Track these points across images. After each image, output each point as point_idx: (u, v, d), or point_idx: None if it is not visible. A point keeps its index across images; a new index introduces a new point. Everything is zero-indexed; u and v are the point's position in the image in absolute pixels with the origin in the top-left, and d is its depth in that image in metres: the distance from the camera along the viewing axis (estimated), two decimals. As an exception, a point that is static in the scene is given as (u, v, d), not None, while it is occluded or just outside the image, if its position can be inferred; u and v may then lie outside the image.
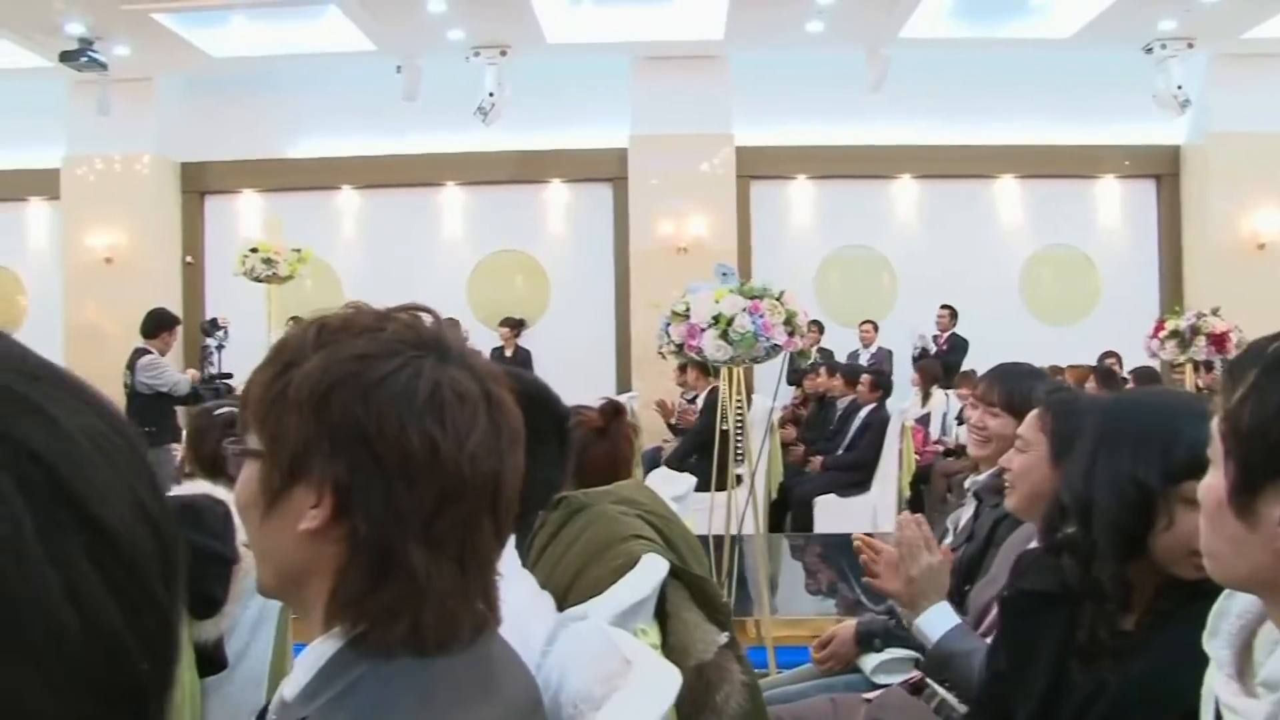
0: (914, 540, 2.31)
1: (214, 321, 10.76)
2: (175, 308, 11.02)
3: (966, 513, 2.96)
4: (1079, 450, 1.58)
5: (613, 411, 2.43)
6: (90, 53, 9.89)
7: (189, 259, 11.69)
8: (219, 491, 2.49)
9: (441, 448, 0.96)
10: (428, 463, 0.96)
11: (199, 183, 11.77)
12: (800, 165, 11.47)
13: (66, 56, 9.86)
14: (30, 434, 0.43)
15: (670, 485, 2.80)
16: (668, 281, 10.42)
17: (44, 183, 11.54)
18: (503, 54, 10.22)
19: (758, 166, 11.24)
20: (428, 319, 1.06)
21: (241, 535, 2.42)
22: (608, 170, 11.27)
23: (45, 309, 11.83)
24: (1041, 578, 1.64)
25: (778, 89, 11.05)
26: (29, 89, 11.18)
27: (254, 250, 8.78)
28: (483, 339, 10.91)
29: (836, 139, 11.14)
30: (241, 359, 10.61)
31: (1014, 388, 2.79)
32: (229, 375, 9.42)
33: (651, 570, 1.69)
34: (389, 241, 11.53)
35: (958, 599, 2.82)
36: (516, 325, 10.96)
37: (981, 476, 2.91)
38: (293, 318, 9.84)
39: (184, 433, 2.87)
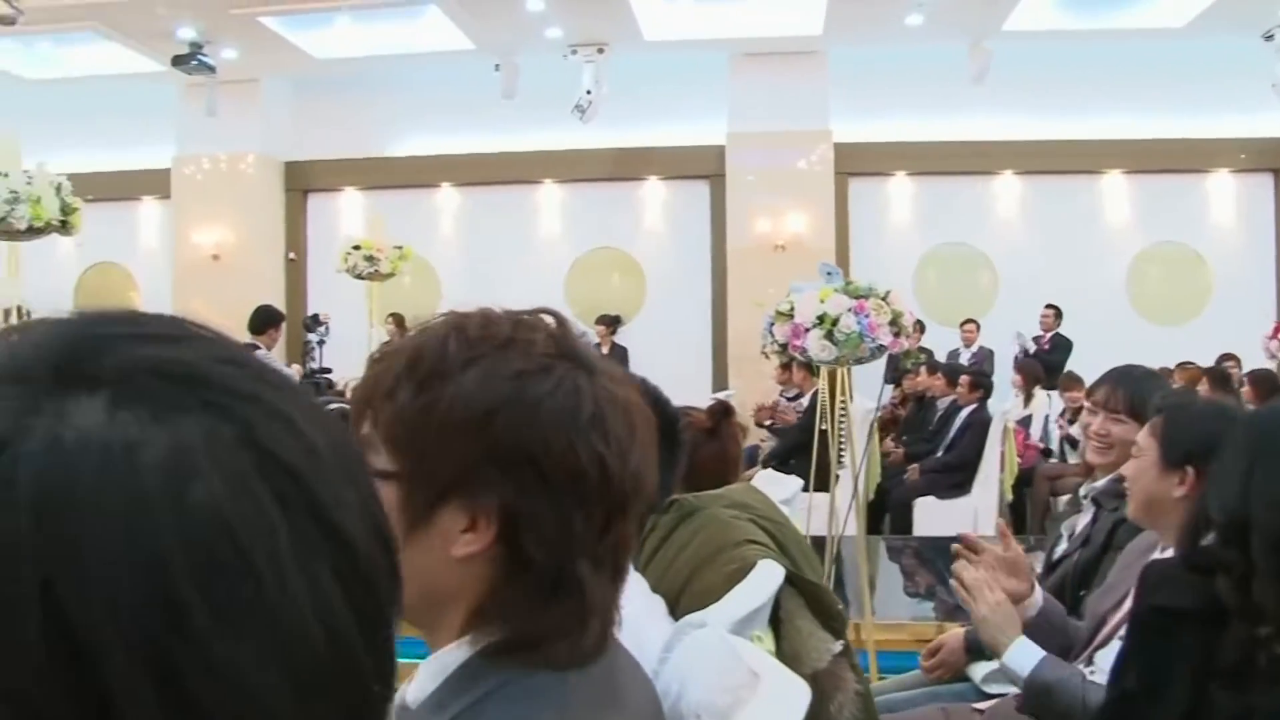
0: (976, 582, 2.26)
1: (315, 317, 10.98)
2: (278, 303, 11.25)
3: (1083, 519, 2.87)
4: (1229, 463, 1.50)
5: (722, 412, 2.39)
6: (200, 56, 10.16)
7: (292, 256, 11.94)
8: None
9: (609, 464, 0.93)
10: (598, 481, 0.93)
11: (302, 181, 12.01)
12: (899, 161, 11.30)
13: (178, 60, 10.15)
14: (283, 445, 0.43)
15: (777, 487, 2.76)
16: (765, 279, 10.40)
17: (155, 182, 11.89)
18: (600, 51, 10.23)
19: (856, 163, 11.10)
20: (551, 321, 1.03)
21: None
22: (705, 167, 11.22)
23: (155, 304, 12.14)
24: (1177, 593, 1.57)
25: (876, 84, 10.89)
26: (142, 92, 11.53)
27: (356, 248, 8.92)
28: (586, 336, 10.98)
29: (936, 134, 10.94)
30: (341, 354, 10.86)
31: (1136, 392, 2.70)
32: (328, 370, 9.58)
33: (767, 577, 1.66)
34: (487, 239, 11.64)
35: (1072, 604, 2.75)
36: (613, 323, 10.97)
37: (1099, 483, 2.82)
38: (391, 315, 10.05)
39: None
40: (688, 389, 9.68)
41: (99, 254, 11.80)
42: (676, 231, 11.56)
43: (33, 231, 5.48)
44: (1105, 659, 2.12)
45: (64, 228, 5.66)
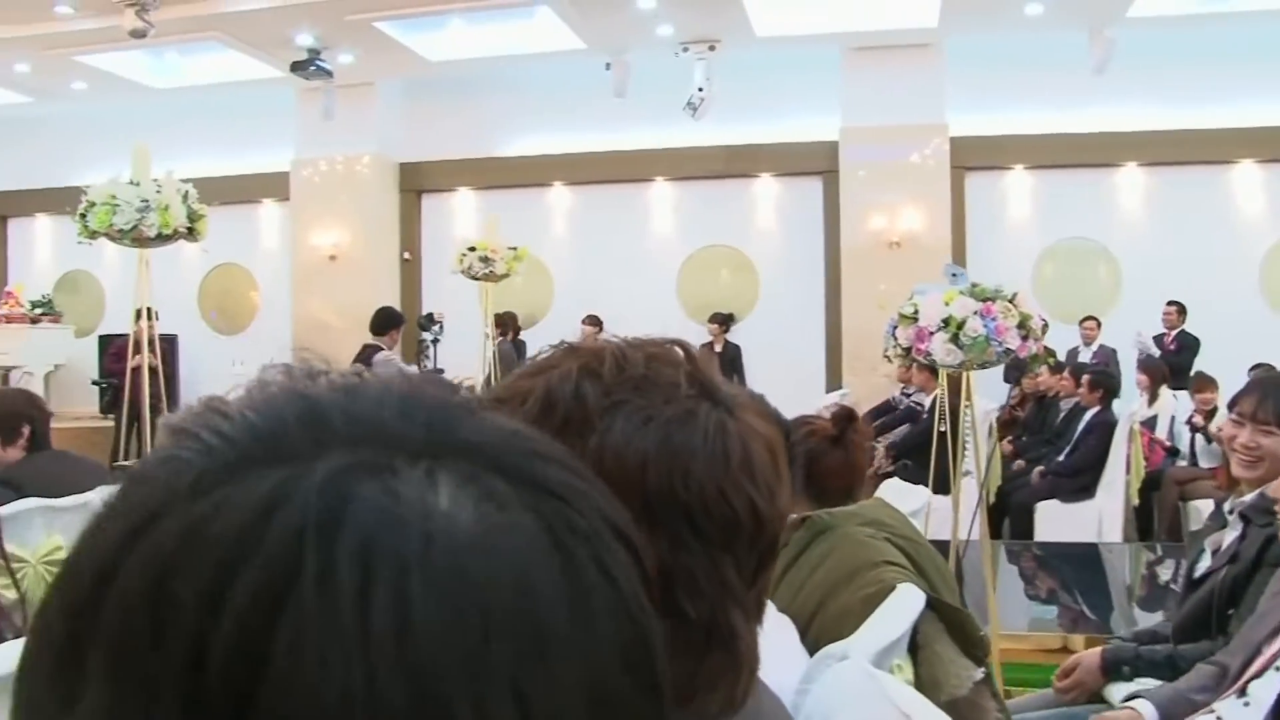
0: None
1: (430, 316, 11.15)
2: (393, 303, 11.47)
3: (1230, 534, 2.73)
4: None
5: (846, 419, 2.32)
6: (318, 62, 10.40)
7: (406, 255, 12.13)
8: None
9: (760, 508, 0.88)
10: (751, 527, 0.88)
11: (416, 182, 12.19)
12: (1017, 154, 11.00)
13: (296, 66, 10.40)
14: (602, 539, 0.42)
15: (905, 498, 2.68)
16: (879, 277, 10.27)
17: (275, 185, 12.19)
18: (711, 48, 10.18)
19: (972, 157, 10.84)
20: (682, 354, 0.95)
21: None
22: (818, 163, 11.08)
23: (275, 303, 12.50)
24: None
25: (993, 75, 10.62)
26: (262, 98, 11.85)
27: (472, 249, 9.00)
28: (692, 334, 10.92)
29: (1056, 126, 10.64)
30: (456, 353, 11.00)
31: (1287, 401, 2.56)
32: (441, 370, 9.63)
33: (908, 603, 1.60)
34: (598, 237, 11.67)
35: (1219, 623, 2.63)
36: (725, 321, 10.90)
37: (1247, 498, 2.68)
38: (496, 315, 10.12)
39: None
40: (801, 388, 9.63)
41: (222, 255, 12.12)
42: (789, 228, 11.43)
43: (161, 239, 5.64)
44: (1263, 690, 2.01)
45: (190, 234, 5.80)
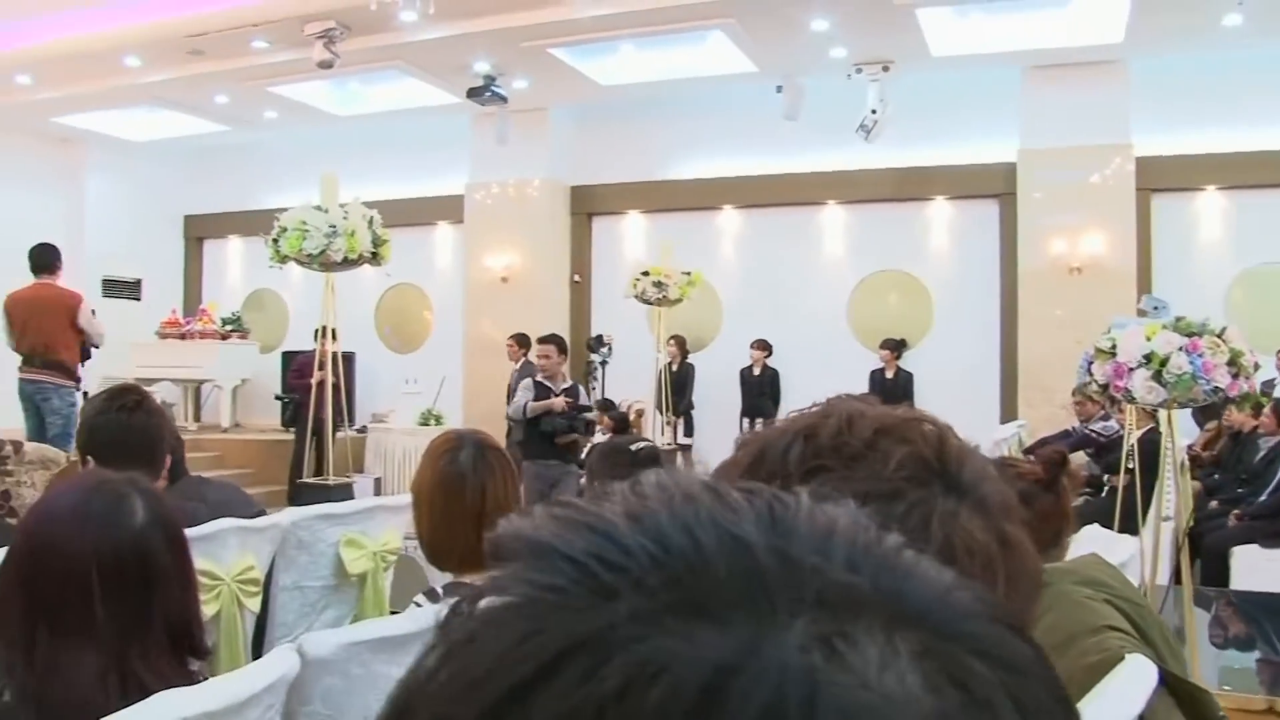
0: None
1: (599, 338, 11.24)
2: (563, 324, 11.63)
3: None
4: None
5: (1058, 463, 2.19)
6: (493, 88, 10.64)
7: (577, 278, 12.26)
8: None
9: None
10: None
11: (587, 205, 12.33)
12: (1209, 175, 10.42)
13: (473, 93, 10.66)
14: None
15: (1111, 549, 2.51)
16: (1059, 303, 9.90)
17: (449, 208, 12.51)
18: (885, 70, 9.99)
19: (1160, 178, 10.33)
20: (926, 429, 0.85)
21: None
22: (994, 186, 10.75)
23: (447, 323, 12.81)
24: None
25: (1182, 91, 10.11)
26: (439, 124, 12.19)
27: (645, 274, 9.02)
28: (864, 360, 10.73)
29: (1251, 144, 10.04)
30: (624, 375, 11.06)
31: None
32: (587, 409, 9.27)
33: (1139, 678, 1.47)
34: (768, 261, 11.56)
35: None
36: (898, 347, 10.64)
37: None
38: (673, 337, 10.12)
39: (586, 459, 2.85)
40: (975, 418, 9.30)
41: (397, 276, 12.48)
42: (963, 253, 11.11)
43: (347, 263, 5.81)
44: None
45: (374, 259, 5.97)
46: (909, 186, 11.02)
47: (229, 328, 13.18)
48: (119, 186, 13.97)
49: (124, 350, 12.61)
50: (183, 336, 12.83)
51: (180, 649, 1.44)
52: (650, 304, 9.16)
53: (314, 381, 7.62)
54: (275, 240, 5.72)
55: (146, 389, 2.99)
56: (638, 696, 0.31)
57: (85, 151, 13.66)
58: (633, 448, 2.82)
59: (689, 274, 8.95)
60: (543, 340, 8.48)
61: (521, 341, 10.13)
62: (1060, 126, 10.14)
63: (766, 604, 0.33)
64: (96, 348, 8.29)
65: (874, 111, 10.04)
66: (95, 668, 1.32)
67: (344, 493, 5.97)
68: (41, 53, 10.69)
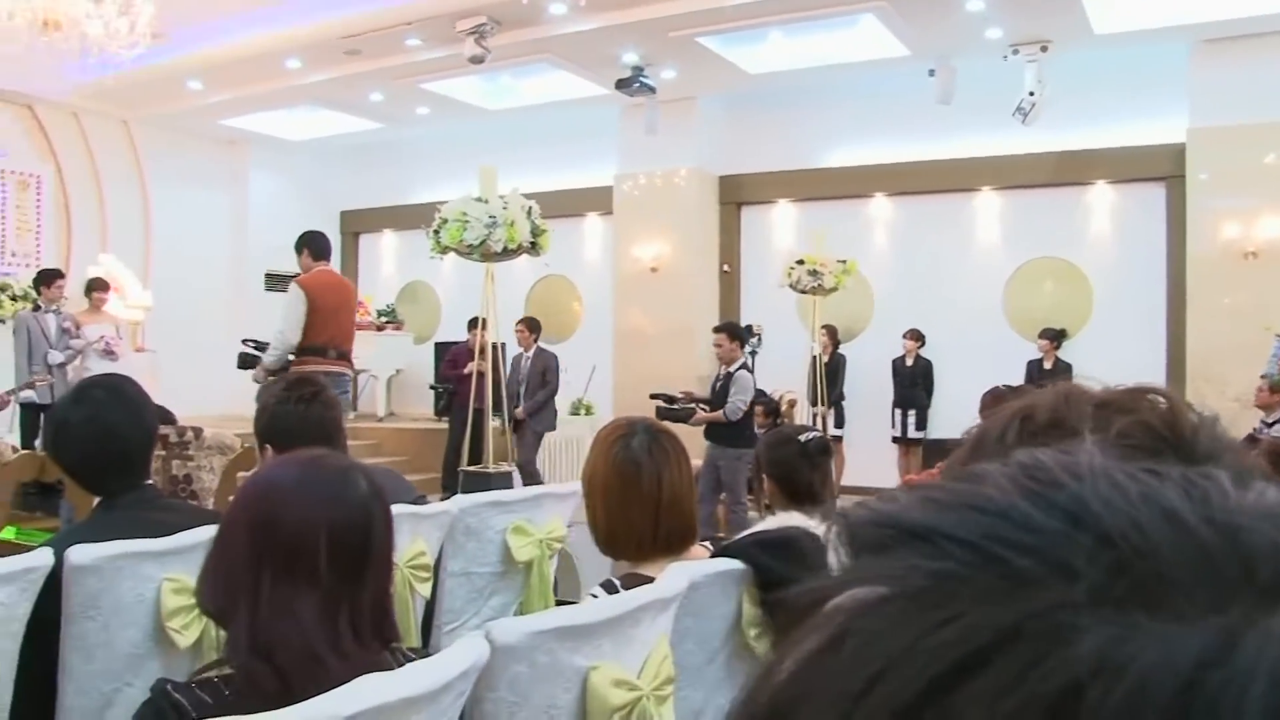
0: None
1: (749, 328, 11.18)
2: (712, 315, 11.59)
3: None
4: None
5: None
6: (642, 79, 10.66)
7: (726, 268, 12.21)
8: (813, 523, 2.42)
9: None
10: None
11: (736, 194, 12.26)
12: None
13: (621, 84, 10.70)
14: None
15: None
16: (1230, 289, 9.43)
17: (598, 199, 12.60)
18: (1044, 49, 9.67)
19: (1349, 157, 9.74)
20: (1158, 401, 0.80)
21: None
22: (1160, 168, 10.29)
23: (597, 314, 12.90)
24: None
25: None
26: (587, 116, 12.28)
27: (800, 262, 8.91)
28: (1020, 350, 10.41)
29: None
30: (774, 365, 10.97)
31: None
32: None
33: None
34: (920, 248, 11.31)
35: None
36: (1056, 337, 10.27)
37: None
38: (824, 327, 10.00)
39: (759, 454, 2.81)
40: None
41: (552, 266, 12.62)
42: (1126, 239, 10.66)
43: (507, 253, 5.89)
44: None
45: (533, 249, 6.03)
46: (1068, 171, 10.62)
47: (384, 319, 13.56)
48: (279, 184, 14.52)
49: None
50: (342, 328, 13.24)
51: (379, 625, 1.47)
52: (804, 293, 9.04)
53: (473, 371, 7.78)
54: (436, 231, 5.84)
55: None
56: (1098, 695, 0.27)
57: (249, 151, 14.23)
58: (801, 438, 2.76)
59: (844, 262, 8.81)
60: (716, 329, 8.63)
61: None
62: (1233, 103, 9.62)
63: (1226, 588, 0.29)
64: None
65: (1031, 93, 9.72)
66: (315, 614, 1.36)
67: (504, 480, 6.05)
68: (211, 58, 11.16)
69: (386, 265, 15.02)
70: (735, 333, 8.34)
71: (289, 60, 11.02)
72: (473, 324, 10.95)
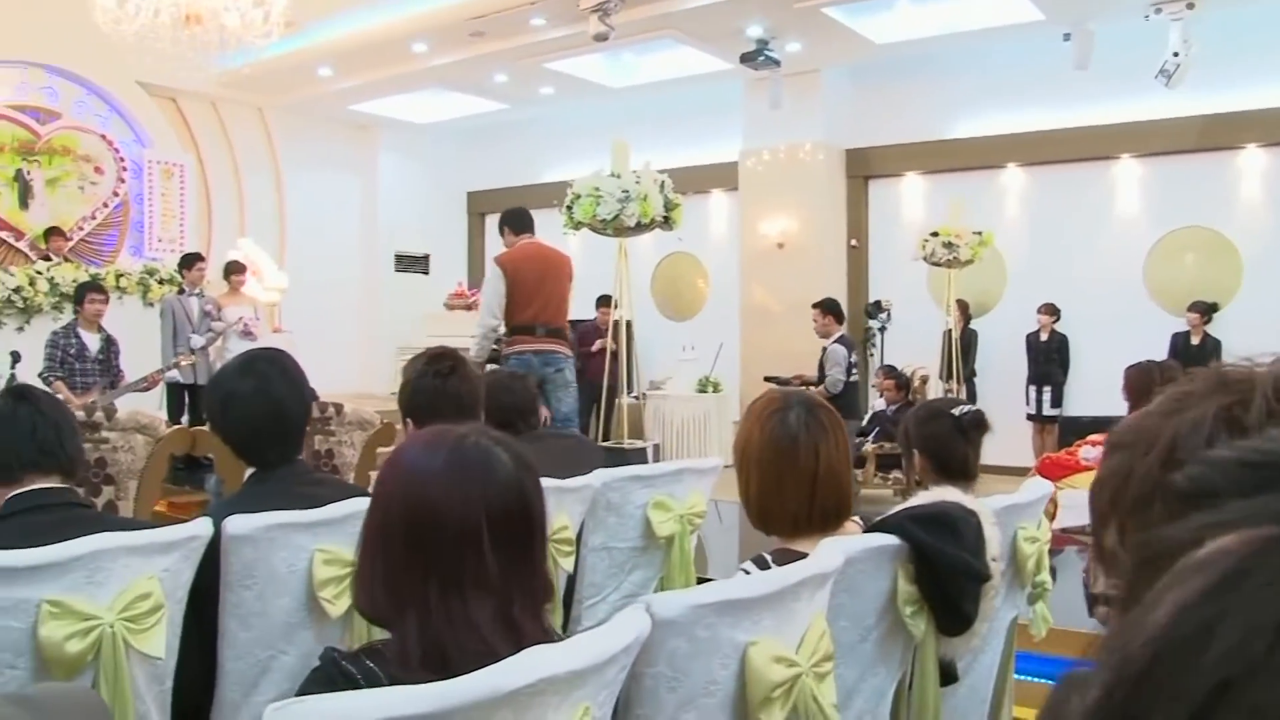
0: None
1: (878, 304, 11.00)
2: (840, 290, 11.42)
3: None
4: None
5: None
6: (766, 52, 10.53)
7: (854, 242, 12.00)
8: (968, 500, 2.34)
9: None
10: None
11: (863, 168, 12.03)
12: None
13: (746, 58, 10.59)
14: None
15: None
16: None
17: (723, 175, 12.51)
18: (1190, 7, 9.22)
19: None
20: None
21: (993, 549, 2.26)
22: (1317, 129, 9.75)
23: (722, 290, 12.83)
24: None
25: None
26: (711, 91, 12.20)
27: (934, 234, 8.71)
28: (1165, 324, 10.00)
29: None
30: (904, 341, 10.78)
31: None
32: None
33: None
34: (1055, 220, 10.91)
35: None
36: (1208, 310, 9.78)
37: None
38: (957, 300, 9.76)
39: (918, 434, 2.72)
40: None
41: (673, 244, 12.59)
42: (1279, 206, 10.13)
43: (640, 227, 5.87)
44: None
45: (666, 223, 6.00)
46: (1216, 135, 10.12)
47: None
48: (408, 167, 14.79)
49: (417, 320, 13.36)
50: (469, 307, 13.40)
51: (543, 600, 1.45)
52: (939, 266, 8.82)
53: (606, 349, 7.79)
54: (569, 207, 5.85)
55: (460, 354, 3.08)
56: None
57: (378, 135, 14.51)
58: (955, 412, 2.67)
59: (980, 234, 8.55)
60: (813, 305, 8.63)
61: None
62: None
63: None
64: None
65: (1176, 54, 9.30)
66: (490, 615, 1.34)
67: (639, 456, 6.06)
68: (340, 45, 11.40)
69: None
70: (829, 308, 8.44)
71: (415, 44, 11.18)
72: (601, 301, 11.03)
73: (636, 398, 9.93)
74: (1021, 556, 2.61)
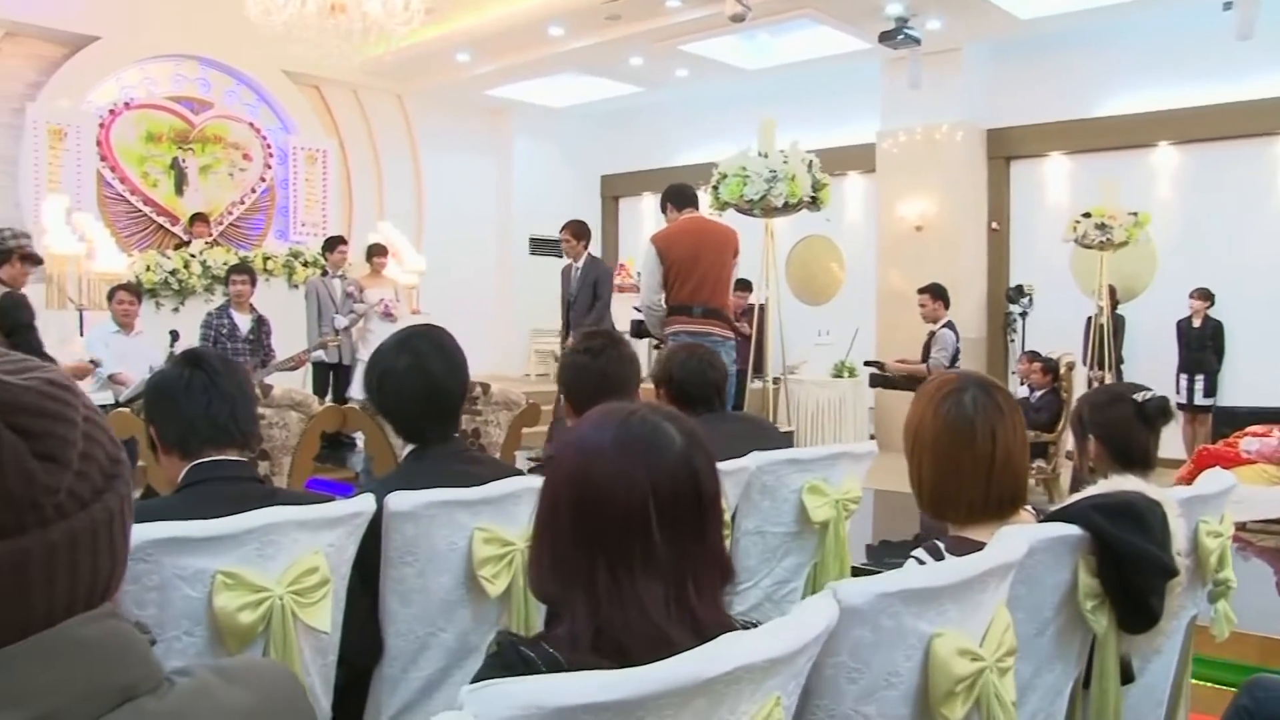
0: None
1: (1019, 288, 10.69)
2: (980, 274, 11.14)
3: None
4: None
5: None
6: (906, 30, 10.30)
7: (994, 225, 11.67)
8: (1151, 490, 2.22)
9: None
10: None
11: (1004, 148, 11.67)
12: None
13: (885, 36, 10.37)
14: None
15: None
16: None
17: (860, 157, 12.29)
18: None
19: None
20: None
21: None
22: None
23: (858, 274, 12.62)
24: None
25: None
26: (847, 72, 12.02)
27: (1086, 215, 8.39)
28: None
29: None
30: (1047, 327, 10.46)
31: None
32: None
33: None
34: (1211, 202, 10.39)
35: None
36: (1207, 295, 9.23)
37: None
38: (1111, 286, 9.41)
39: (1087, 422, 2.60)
40: None
41: (807, 228, 12.43)
42: None
43: (787, 208, 5.79)
44: None
45: (814, 203, 5.90)
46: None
47: (644, 283, 13.70)
48: (542, 151, 14.91)
49: (551, 303, 13.45)
50: (602, 291, 13.48)
51: (721, 582, 1.40)
52: (1090, 248, 8.50)
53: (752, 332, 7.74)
54: (715, 187, 5.79)
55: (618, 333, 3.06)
56: None
57: (512, 120, 14.67)
58: (1137, 398, 2.54)
59: (1135, 214, 8.20)
60: (919, 290, 8.57)
61: (579, 233, 8.61)
62: None
63: None
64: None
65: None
66: (660, 597, 1.31)
67: (783, 440, 5.97)
68: (478, 30, 11.53)
69: (646, 228, 15.16)
70: (938, 293, 8.38)
71: (552, 28, 11.23)
72: (739, 285, 10.95)
73: (773, 381, 9.84)
74: (1204, 551, 2.47)
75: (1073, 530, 2.04)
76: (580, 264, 8.54)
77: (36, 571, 0.83)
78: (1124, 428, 2.50)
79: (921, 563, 1.98)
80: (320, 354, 9.13)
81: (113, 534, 0.91)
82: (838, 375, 10.83)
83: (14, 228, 6.24)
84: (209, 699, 0.93)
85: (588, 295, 8.36)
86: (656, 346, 6.02)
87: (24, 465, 0.82)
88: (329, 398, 9.24)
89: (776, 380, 8.31)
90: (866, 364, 9.21)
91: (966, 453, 2.01)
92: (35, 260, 6.17)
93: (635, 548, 1.31)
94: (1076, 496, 2.18)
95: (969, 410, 2.02)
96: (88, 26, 11.01)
